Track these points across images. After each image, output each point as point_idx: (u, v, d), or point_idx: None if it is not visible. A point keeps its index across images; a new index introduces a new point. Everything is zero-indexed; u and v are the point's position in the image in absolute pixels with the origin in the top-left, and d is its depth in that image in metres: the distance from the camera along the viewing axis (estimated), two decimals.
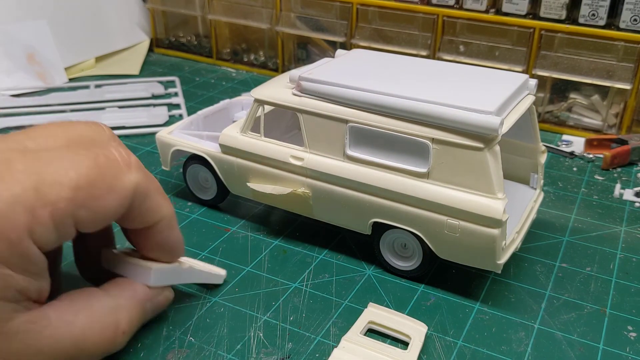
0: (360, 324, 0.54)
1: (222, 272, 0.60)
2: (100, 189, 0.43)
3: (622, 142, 0.87)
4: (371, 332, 0.54)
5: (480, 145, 0.53)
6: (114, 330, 0.47)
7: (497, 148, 0.54)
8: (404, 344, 0.52)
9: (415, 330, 0.53)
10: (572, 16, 0.91)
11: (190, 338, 0.53)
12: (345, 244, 0.66)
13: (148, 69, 1.21)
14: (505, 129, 0.53)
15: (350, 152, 0.59)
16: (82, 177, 0.42)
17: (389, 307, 0.57)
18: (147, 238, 0.50)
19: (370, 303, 0.56)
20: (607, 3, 0.87)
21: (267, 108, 0.64)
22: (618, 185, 0.80)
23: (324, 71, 0.62)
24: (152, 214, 0.48)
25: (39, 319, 0.43)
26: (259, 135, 0.65)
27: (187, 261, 0.57)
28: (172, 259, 0.53)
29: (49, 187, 0.41)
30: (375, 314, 0.55)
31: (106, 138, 0.48)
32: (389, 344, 0.52)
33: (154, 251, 0.52)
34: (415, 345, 0.51)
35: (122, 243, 0.58)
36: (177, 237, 0.52)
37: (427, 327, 0.53)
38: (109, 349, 0.47)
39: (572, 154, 0.89)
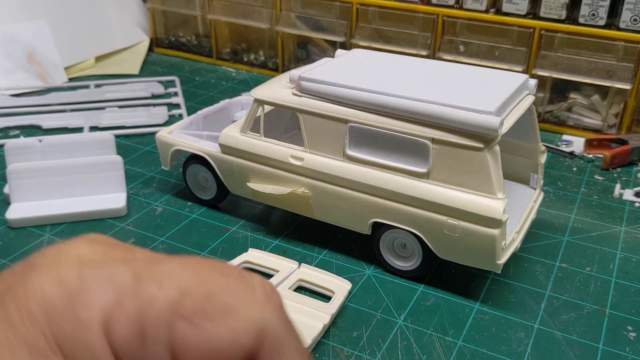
0: (290, 281, 0.58)
1: (347, 285, 0.58)
2: (215, 307, 0.26)
3: (622, 142, 0.87)
4: (299, 289, 0.59)
5: (480, 145, 0.53)
6: None
7: (497, 148, 0.54)
8: (328, 298, 0.57)
9: (340, 286, 0.57)
10: (572, 16, 0.91)
11: None
12: (345, 244, 0.66)
13: (148, 68, 1.21)
14: (505, 129, 0.53)
15: (350, 152, 0.59)
16: (196, 284, 0.26)
17: (389, 307, 0.57)
18: None
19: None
20: (607, 3, 0.87)
21: (267, 108, 0.64)
22: (618, 185, 0.80)
23: (324, 71, 0.62)
24: None
25: None
26: (258, 135, 0.65)
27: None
28: None
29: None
30: (305, 273, 0.59)
31: None
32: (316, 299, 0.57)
33: None
34: (337, 299, 0.56)
35: None
36: None
37: (351, 285, 0.58)
38: None
39: (572, 154, 0.89)
